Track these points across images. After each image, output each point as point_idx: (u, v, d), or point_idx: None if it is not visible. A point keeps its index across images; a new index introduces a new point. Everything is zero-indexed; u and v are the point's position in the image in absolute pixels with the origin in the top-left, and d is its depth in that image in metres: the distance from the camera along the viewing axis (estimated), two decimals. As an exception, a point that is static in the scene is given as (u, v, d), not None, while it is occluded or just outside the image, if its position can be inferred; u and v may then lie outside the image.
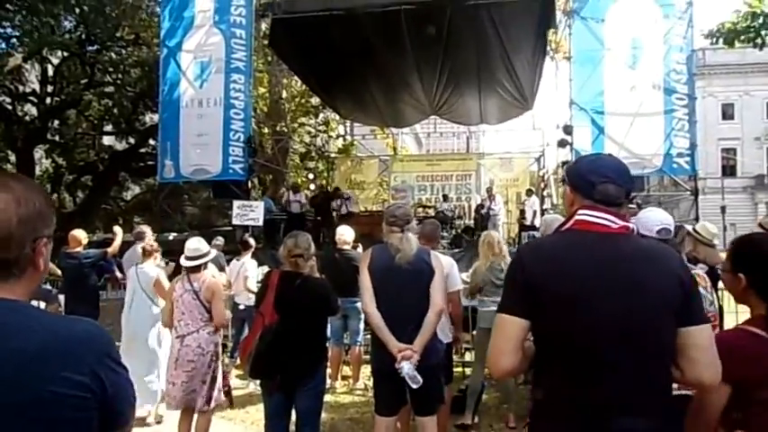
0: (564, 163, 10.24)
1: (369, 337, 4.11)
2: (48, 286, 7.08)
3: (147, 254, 5.02)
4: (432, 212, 13.25)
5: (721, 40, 9.33)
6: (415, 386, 2.73)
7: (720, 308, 3.61)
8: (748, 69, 34.02)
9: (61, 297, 6.21)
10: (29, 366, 0.94)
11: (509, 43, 11.08)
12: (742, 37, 8.70)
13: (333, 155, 17.95)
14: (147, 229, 5.72)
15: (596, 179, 1.50)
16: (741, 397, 1.50)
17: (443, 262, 3.19)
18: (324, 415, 4.83)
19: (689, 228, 4.23)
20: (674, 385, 1.50)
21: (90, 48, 16.17)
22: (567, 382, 1.43)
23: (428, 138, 22.14)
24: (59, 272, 5.90)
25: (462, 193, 15.70)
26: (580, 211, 1.50)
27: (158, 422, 4.73)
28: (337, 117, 16.86)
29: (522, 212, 12.66)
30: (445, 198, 14.50)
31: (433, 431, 2.93)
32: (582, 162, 1.65)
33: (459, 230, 12.69)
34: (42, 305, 5.78)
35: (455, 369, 4.52)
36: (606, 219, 1.46)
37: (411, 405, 3.01)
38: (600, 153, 1.66)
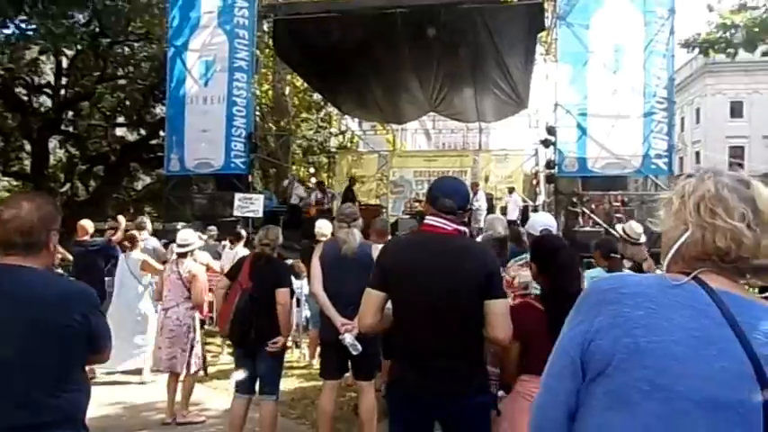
0: (548, 162, 10.73)
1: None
2: (60, 271, 7.75)
3: (130, 245, 5.82)
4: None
5: (696, 50, 9.71)
6: (355, 353, 3.32)
7: None
8: (757, 67, 33.82)
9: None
10: (50, 306, 1.60)
11: (502, 44, 11.51)
12: (716, 47, 9.07)
13: (334, 150, 18.51)
14: (146, 220, 6.41)
15: (439, 195, 2.09)
16: (525, 349, 2.08)
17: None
18: (296, 383, 5.51)
19: (618, 228, 4.73)
20: None
21: (103, 41, 16.82)
22: (405, 334, 2.06)
23: (439, 133, 22.59)
24: (71, 257, 6.56)
25: (458, 189, 16.18)
26: (427, 217, 2.11)
27: (143, 383, 5.46)
28: (339, 113, 17.40)
29: (504, 209, 13.22)
30: (441, 193, 15.01)
31: (369, 393, 3.50)
32: (434, 183, 2.25)
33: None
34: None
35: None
36: (443, 223, 2.06)
37: (352, 371, 3.60)
38: (447, 176, 2.29)
